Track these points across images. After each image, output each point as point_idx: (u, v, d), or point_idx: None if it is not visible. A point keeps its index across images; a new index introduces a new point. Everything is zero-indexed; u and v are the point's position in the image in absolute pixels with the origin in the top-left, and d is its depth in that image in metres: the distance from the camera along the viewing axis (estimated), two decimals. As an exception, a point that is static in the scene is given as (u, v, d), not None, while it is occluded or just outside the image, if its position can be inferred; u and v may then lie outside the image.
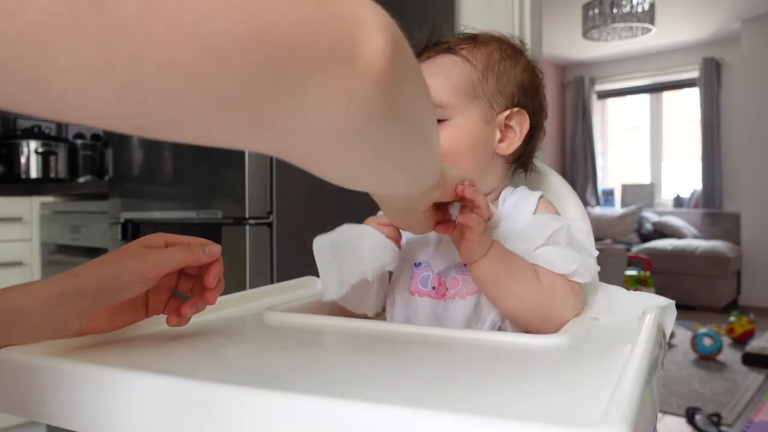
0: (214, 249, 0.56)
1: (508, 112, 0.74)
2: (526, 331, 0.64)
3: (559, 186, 0.89)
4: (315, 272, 0.90)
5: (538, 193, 0.74)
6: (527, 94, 0.75)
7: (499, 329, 0.69)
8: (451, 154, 0.71)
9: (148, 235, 0.56)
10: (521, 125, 0.75)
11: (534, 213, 0.71)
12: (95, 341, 0.57)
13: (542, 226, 0.69)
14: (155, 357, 0.54)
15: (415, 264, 0.75)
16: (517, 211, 0.73)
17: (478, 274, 0.63)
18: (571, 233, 0.69)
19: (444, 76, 0.72)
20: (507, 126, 0.74)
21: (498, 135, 0.74)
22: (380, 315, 0.79)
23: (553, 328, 0.60)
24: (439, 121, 0.71)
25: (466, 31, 0.79)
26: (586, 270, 0.65)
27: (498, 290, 0.63)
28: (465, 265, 0.69)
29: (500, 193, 0.77)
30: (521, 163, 0.80)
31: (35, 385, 0.49)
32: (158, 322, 0.65)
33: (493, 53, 0.74)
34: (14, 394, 0.50)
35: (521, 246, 0.67)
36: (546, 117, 0.80)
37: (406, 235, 0.78)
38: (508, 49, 0.75)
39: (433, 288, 0.71)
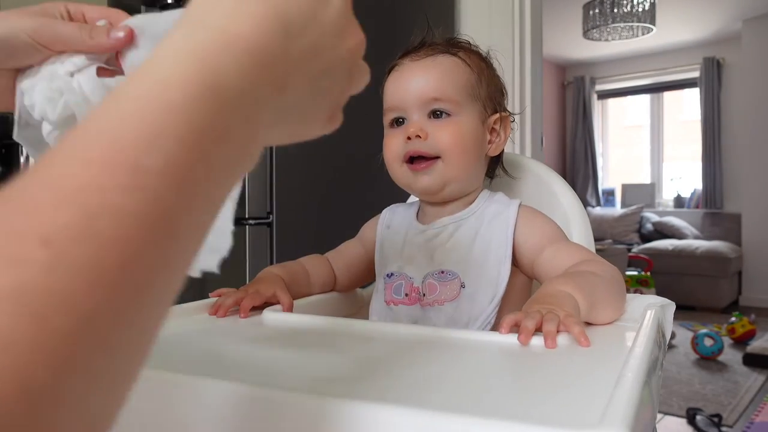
0: (119, 34, 0.43)
1: (497, 115, 0.77)
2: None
3: (557, 186, 0.89)
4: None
5: (516, 202, 0.75)
6: (504, 100, 0.80)
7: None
8: (457, 149, 0.72)
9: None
10: (505, 129, 0.78)
11: (515, 224, 0.72)
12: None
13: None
14: (155, 354, 0.54)
15: (387, 275, 0.77)
16: (496, 221, 0.74)
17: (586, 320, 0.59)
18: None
19: (451, 74, 0.74)
20: (493, 129, 0.77)
21: (488, 137, 0.77)
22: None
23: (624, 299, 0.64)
24: (444, 114, 0.73)
25: (462, 35, 0.82)
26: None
27: (600, 313, 0.61)
28: (442, 271, 0.71)
29: (478, 195, 0.79)
30: (493, 169, 0.83)
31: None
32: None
33: (480, 60, 0.78)
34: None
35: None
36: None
37: (379, 249, 0.80)
38: (485, 58, 0.79)
39: (406, 295, 0.73)
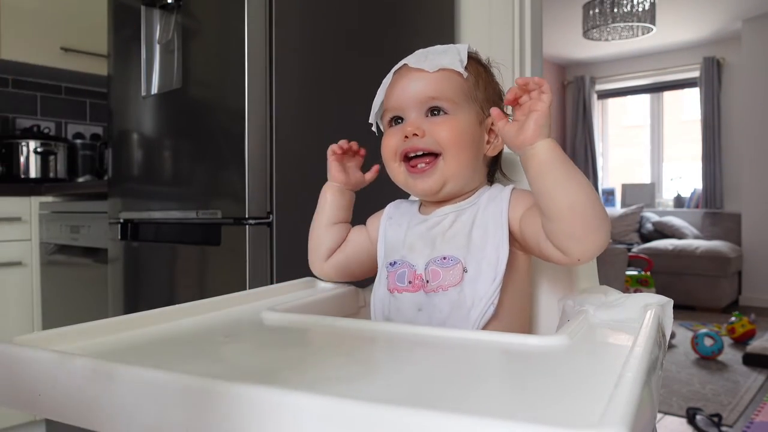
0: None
1: None
2: (560, 243, 0.65)
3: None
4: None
5: (509, 187, 0.78)
6: (502, 103, 0.80)
7: (491, 319, 0.70)
8: (455, 145, 0.75)
9: None
10: None
11: (509, 206, 0.74)
12: (95, 336, 0.57)
13: None
14: (155, 353, 0.54)
15: (390, 263, 0.79)
16: (492, 204, 0.76)
17: (546, 155, 0.63)
18: None
19: (448, 75, 0.76)
20: (491, 131, 0.79)
21: (486, 138, 0.79)
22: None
23: (593, 240, 0.63)
24: (442, 112, 0.76)
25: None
26: None
27: (564, 173, 0.63)
28: (444, 257, 0.73)
29: (477, 192, 0.80)
30: (493, 172, 0.85)
31: (33, 378, 0.49)
32: (160, 320, 0.65)
33: (478, 65, 0.80)
34: (12, 387, 0.50)
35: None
36: None
37: (382, 239, 0.81)
38: (482, 62, 0.82)
39: (410, 282, 0.75)
